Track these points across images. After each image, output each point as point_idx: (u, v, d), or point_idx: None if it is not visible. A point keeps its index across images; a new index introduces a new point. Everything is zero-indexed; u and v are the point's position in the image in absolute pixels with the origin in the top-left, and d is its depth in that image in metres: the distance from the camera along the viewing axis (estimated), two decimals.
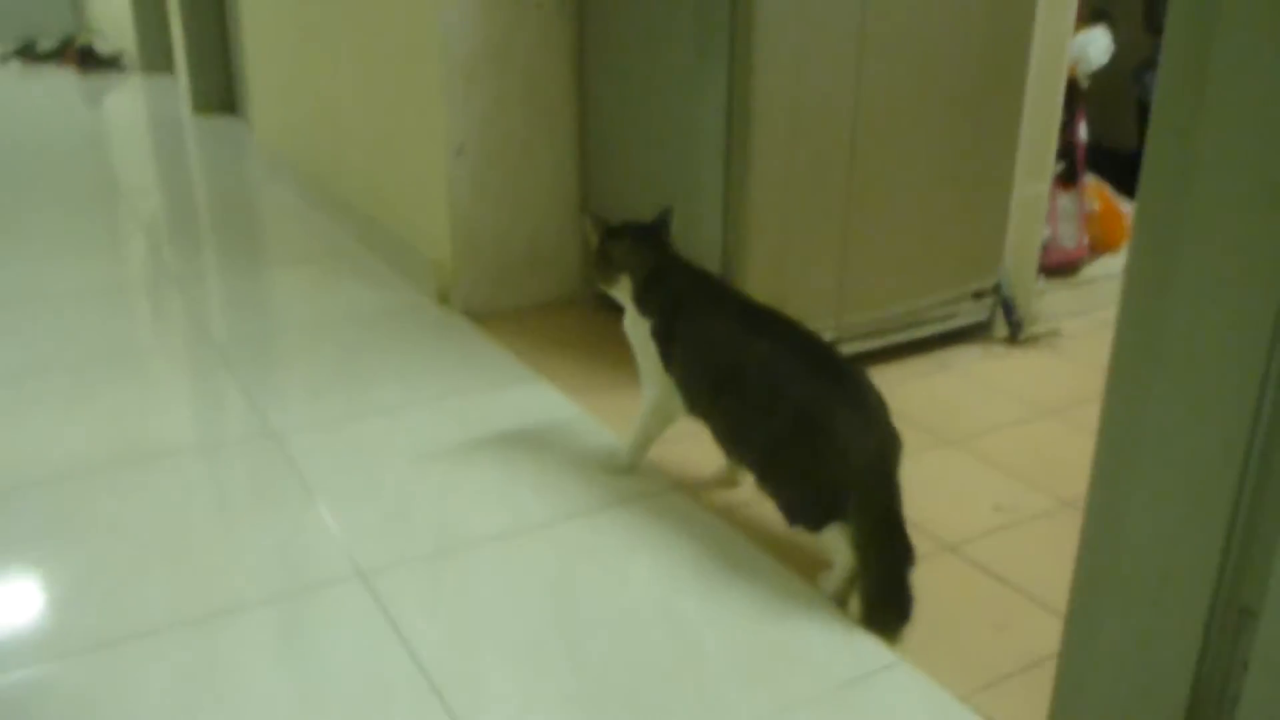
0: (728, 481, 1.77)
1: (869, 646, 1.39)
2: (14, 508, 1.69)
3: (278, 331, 2.46)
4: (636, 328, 1.71)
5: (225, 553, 1.59)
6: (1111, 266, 2.61)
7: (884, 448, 1.45)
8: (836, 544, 1.46)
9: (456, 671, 1.33)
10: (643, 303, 1.69)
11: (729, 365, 1.57)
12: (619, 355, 2.25)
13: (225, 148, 4.45)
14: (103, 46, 6.70)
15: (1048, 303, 2.50)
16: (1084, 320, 2.51)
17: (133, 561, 1.56)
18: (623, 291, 1.71)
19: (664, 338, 1.66)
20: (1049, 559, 1.58)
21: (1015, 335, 2.38)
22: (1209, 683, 0.95)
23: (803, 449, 1.48)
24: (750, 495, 1.72)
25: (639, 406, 1.77)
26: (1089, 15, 2.58)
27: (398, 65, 2.64)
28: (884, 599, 1.43)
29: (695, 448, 1.80)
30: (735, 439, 1.61)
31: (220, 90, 5.05)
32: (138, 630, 1.40)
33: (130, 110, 5.37)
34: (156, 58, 6.10)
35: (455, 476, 1.81)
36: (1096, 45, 2.43)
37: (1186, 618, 0.95)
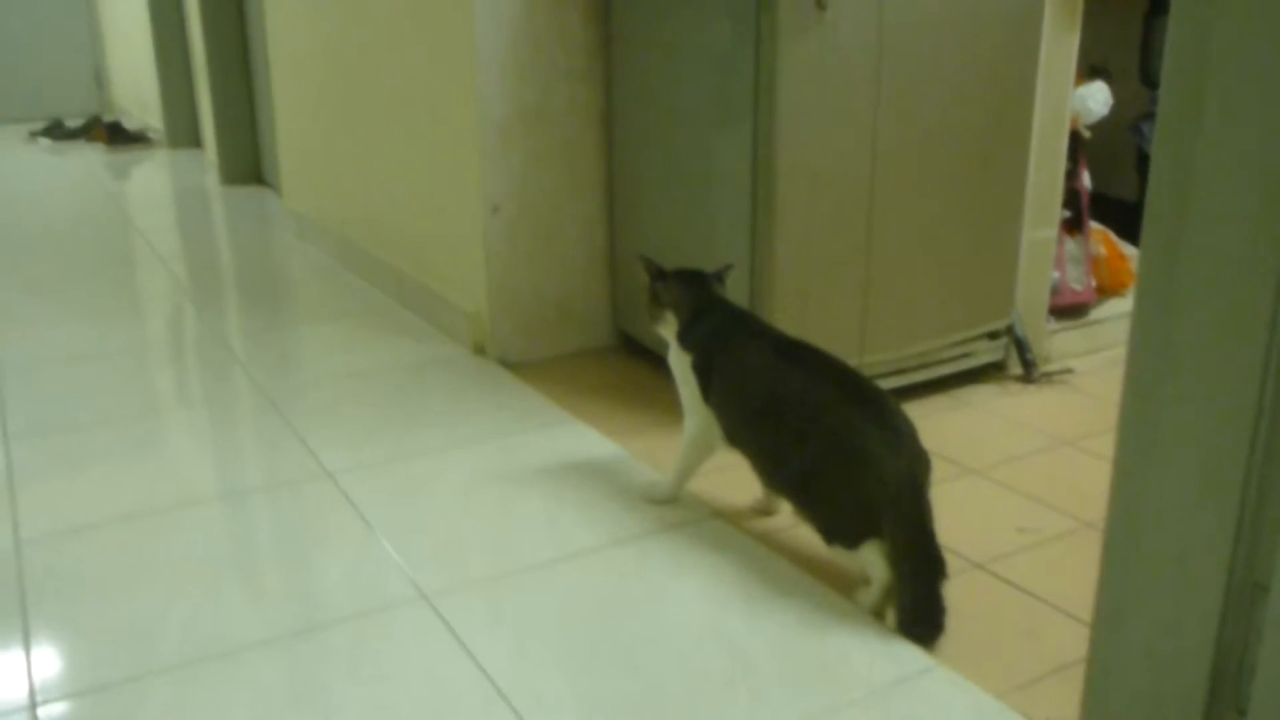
0: (765, 511, 1.87)
1: (908, 652, 1.48)
2: (88, 544, 1.79)
3: (323, 381, 2.58)
4: (679, 362, 1.82)
5: (294, 580, 1.69)
6: (1118, 308, 2.73)
7: (914, 467, 1.55)
8: (873, 560, 1.55)
9: (521, 680, 1.42)
10: (685, 338, 1.81)
11: (766, 395, 1.68)
12: (652, 400, 2.37)
13: (255, 214, 4.60)
14: (129, 123, 6.91)
15: (1058, 343, 2.61)
16: (1094, 359, 2.62)
17: (207, 590, 1.65)
18: (668, 328, 1.83)
19: (703, 371, 1.78)
20: (1073, 573, 1.68)
21: (1029, 373, 2.49)
22: (1228, 655, 1.04)
23: (838, 471, 1.58)
24: (787, 522, 1.82)
25: (677, 444, 1.87)
26: (1088, 71, 2.73)
27: (435, 128, 2.79)
28: (919, 610, 1.52)
29: (733, 480, 1.90)
30: (773, 465, 1.71)
31: (248, 161, 5.23)
32: (217, 651, 1.49)
33: (160, 182, 5.55)
34: (182, 133, 6.30)
35: (504, 509, 1.91)
36: (1096, 98, 2.57)
37: (1205, 596, 1.04)
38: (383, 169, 3.24)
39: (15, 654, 1.50)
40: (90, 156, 6.26)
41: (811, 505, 1.63)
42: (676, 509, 1.88)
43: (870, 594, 1.57)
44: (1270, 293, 0.96)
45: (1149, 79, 3.11)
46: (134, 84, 7.31)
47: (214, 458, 2.16)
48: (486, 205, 2.55)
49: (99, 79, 8.32)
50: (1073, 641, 1.47)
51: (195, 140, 6.31)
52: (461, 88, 2.56)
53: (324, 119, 3.73)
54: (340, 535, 1.82)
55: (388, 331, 2.93)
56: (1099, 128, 2.71)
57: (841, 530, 1.59)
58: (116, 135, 6.56)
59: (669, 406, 2.31)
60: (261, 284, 3.59)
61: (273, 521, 1.89)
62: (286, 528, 1.87)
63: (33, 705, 1.39)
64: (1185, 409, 1.04)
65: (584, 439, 2.20)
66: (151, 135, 6.66)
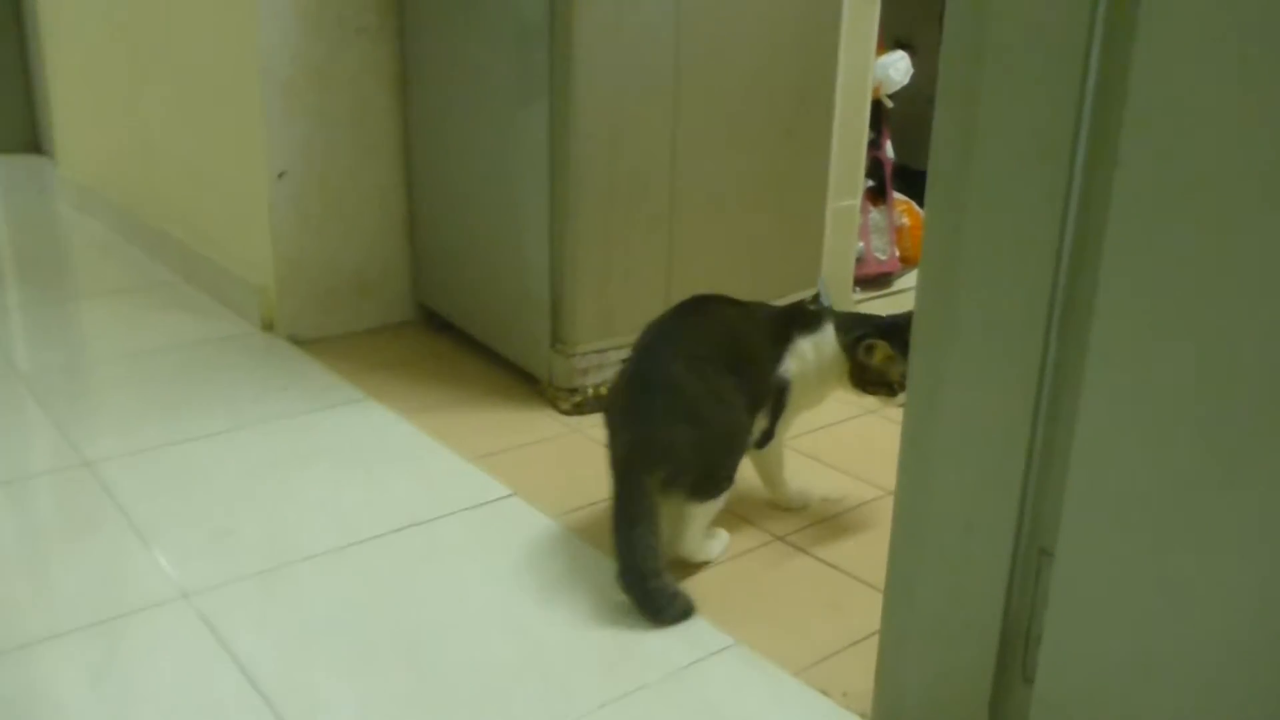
0: None
1: (705, 633, 1.42)
2: None
3: (90, 363, 2.36)
4: None
5: (36, 584, 1.51)
6: None
7: (630, 454, 1.46)
8: None
9: (290, 683, 1.30)
10: None
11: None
12: (451, 376, 2.26)
13: (28, 184, 4.23)
14: None
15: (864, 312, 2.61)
16: None
17: None
18: None
19: None
20: (875, 543, 1.65)
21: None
22: (1016, 623, 1.02)
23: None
24: (584, 500, 1.74)
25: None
26: (891, 44, 2.74)
27: (215, 89, 2.59)
28: (637, 604, 1.44)
29: (532, 456, 1.81)
30: None
31: (21, 128, 4.81)
32: None
33: None
34: None
35: (283, 496, 1.77)
36: (897, 67, 2.58)
37: (993, 564, 1.01)
38: (163, 135, 3.00)
39: None
40: None
41: None
42: (469, 490, 1.77)
43: None
44: (1050, 259, 0.93)
45: None
46: None
47: None
48: (272, 172, 2.38)
49: None
50: (874, 613, 1.43)
51: None
52: (242, 45, 2.37)
53: (101, 82, 3.44)
54: (93, 531, 1.64)
55: (169, 308, 2.71)
56: (903, 101, 2.73)
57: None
58: None
59: (468, 382, 2.21)
60: (31, 258, 3.29)
61: (14, 519, 1.70)
62: (30, 525, 1.68)
63: None
64: (969, 375, 1.00)
65: (374, 418, 2.07)
66: None
